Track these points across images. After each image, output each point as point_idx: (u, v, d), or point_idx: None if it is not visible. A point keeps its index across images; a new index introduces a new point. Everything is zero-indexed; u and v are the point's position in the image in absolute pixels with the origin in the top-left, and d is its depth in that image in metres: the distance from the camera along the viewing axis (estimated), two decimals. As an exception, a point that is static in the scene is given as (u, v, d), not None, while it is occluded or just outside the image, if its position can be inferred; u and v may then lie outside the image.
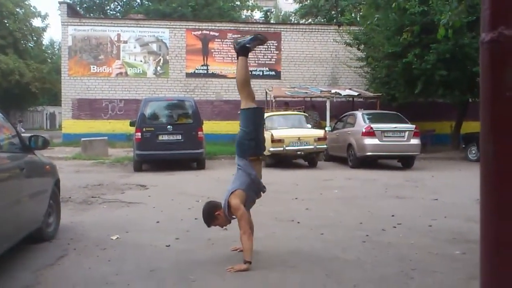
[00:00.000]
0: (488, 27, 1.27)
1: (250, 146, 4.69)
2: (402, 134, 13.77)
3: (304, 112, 16.73)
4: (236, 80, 4.90)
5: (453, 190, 9.75)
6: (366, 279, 4.18)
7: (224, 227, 4.84)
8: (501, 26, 1.24)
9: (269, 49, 22.32)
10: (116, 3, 36.83)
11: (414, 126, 14.07)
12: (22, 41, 35.56)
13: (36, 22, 44.65)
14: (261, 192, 4.86)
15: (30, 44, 39.00)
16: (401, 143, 13.71)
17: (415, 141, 13.82)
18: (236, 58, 4.83)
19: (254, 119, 4.77)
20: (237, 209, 4.50)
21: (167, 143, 13.14)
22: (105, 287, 4.02)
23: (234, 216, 4.67)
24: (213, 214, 4.68)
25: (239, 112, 5.02)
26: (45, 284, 4.09)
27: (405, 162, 14.21)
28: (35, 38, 38.92)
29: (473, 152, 16.16)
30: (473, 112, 17.49)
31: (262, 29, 22.94)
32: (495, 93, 1.27)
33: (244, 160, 4.70)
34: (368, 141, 13.63)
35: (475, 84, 16.51)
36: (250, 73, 5.05)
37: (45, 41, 47.05)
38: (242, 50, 4.77)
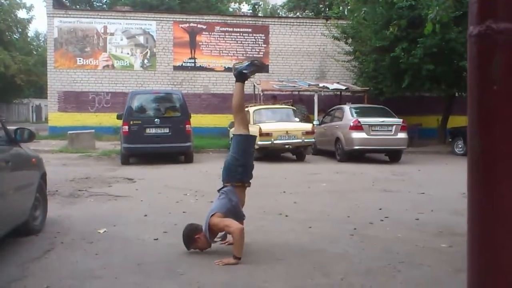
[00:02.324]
0: (475, 20, 1.27)
1: (238, 172, 4.69)
2: (390, 128, 13.83)
3: (292, 106, 16.73)
4: (232, 105, 4.90)
5: (440, 184, 9.82)
6: (353, 272, 4.21)
7: (204, 250, 4.76)
8: (489, 20, 1.24)
9: (257, 42, 22.26)
10: (103, -5, 36.48)
11: (401, 120, 14.14)
12: (7, 33, 34.98)
13: (21, 14, 43.96)
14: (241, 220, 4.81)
15: (15, 36, 38.44)
16: (389, 137, 13.77)
17: (402, 135, 13.90)
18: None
19: (245, 146, 4.79)
20: (219, 222, 4.51)
21: (155, 136, 13.07)
22: (92, 280, 4.00)
23: (215, 240, 4.72)
24: (192, 237, 4.67)
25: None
26: (32, 278, 4.05)
27: (392, 156, 14.29)
28: (20, 30, 38.34)
29: (460, 146, 16.27)
30: (459, 106, 17.64)
31: (250, 22, 22.88)
32: (483, 86, 1.27)
33: (229, 186, 4.70)
34: (356, 135, 13.68)
35: (461, 78, 16.64)
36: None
37: (31, 33, 46.41)
38: (239, 76, 4.79)
